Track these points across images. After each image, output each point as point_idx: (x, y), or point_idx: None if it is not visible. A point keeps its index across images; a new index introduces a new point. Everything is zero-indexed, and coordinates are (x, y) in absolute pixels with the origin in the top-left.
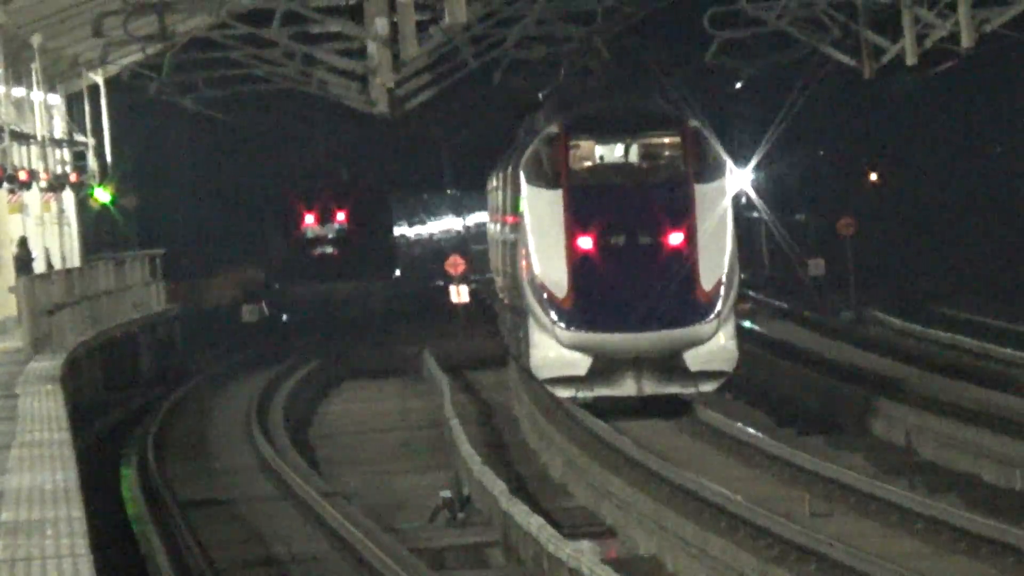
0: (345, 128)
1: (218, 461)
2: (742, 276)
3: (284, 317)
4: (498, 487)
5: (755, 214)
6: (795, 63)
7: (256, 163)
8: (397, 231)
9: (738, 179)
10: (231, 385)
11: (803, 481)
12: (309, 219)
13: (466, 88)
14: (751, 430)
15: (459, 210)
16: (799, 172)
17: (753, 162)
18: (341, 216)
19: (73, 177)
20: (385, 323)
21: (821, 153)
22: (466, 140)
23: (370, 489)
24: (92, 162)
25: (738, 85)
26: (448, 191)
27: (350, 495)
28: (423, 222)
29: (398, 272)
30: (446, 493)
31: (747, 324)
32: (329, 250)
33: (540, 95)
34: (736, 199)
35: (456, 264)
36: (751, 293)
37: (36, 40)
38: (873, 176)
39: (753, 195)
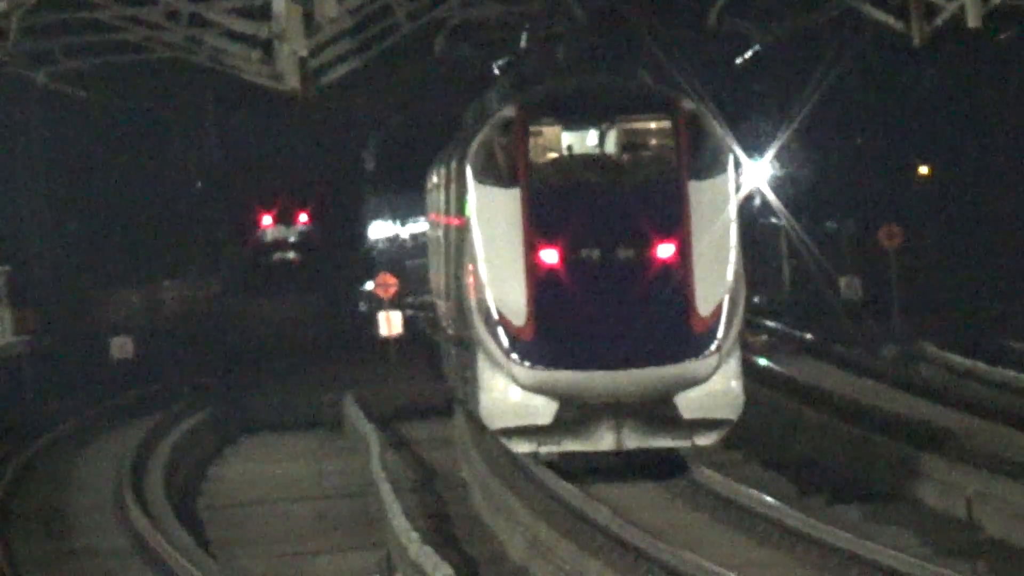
0: (257, 110)
1: (80, 540)
2: (756, 300)
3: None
4: (441, 572)
5: (773, 220)
6: (824, 27)
7: (137, 155)
8: (382, 233)
9: (749, 175)
10: (98, 441)
11: (835, 565)
12: (267, 220)
13: (399, 59)
14: (767, 498)
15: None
16: (829, 167)
17: (770, 154)
18: (304, 217)
19: None
20: (351, 350)
21: (858, 142)
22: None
23: (277, 575)
24: None
25: (749, 55)
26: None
27: None
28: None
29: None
30: None
31: (761, 361)
32: (290, 256)
33: (494, 68)
34: (747, 201)
35: (387, 285)
36: (768, 322)
37: None
38: (924, 170)
39: (770, 196)
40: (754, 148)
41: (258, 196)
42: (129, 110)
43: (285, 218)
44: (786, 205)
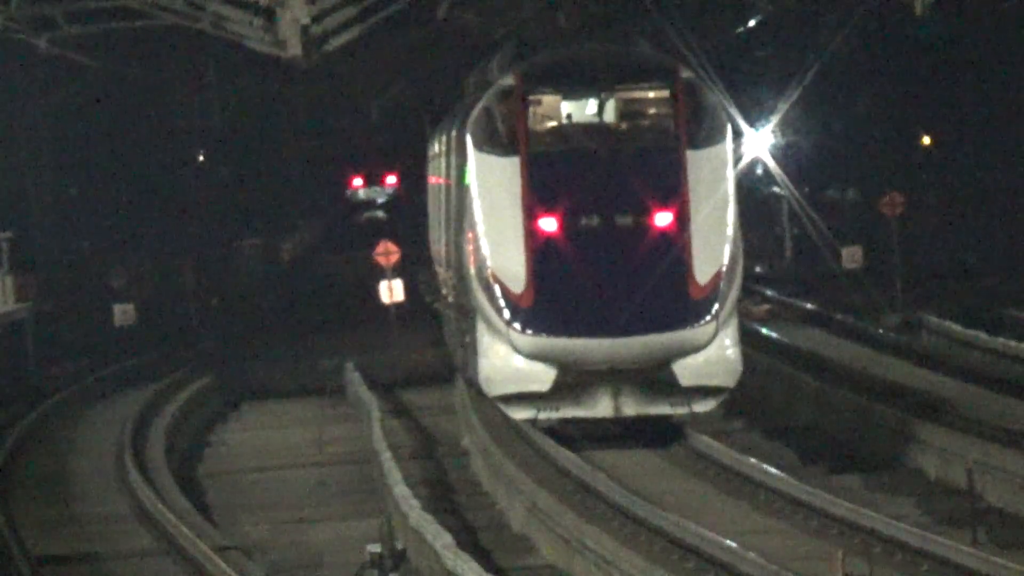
0: (254, 77)
1: (83, 505)
2: (759, 269)
3: None
4: (441, 540)
5: (775, 189)
6: None
7: (139, 122)
8: None
9: (751, 144)
10: (100, 407)
11: (835, 533)
12: (358, 182)
13: (401, 26)
14: (767, 467)
15: None
16: (832, 136)
17: (772, 123)
18: (391, 179)
19: None
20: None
21: (860, 111)
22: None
23: (277, 542)
24: None
25: (752, 23)
26: None
27: (251, 549)
28: None
29: None
30: (375, 547)
31: (763, 330)
32: (379, 214)
33: (496, 36)
34: (749, 169)
35: (388, 253)
36: (769, 291)
37: None
38: (926, 140)
39: (772, 164)
40: (756, 116)
41: (349, 160)
42: (131, 76)
43: (374, 180)
44: (788, 174)
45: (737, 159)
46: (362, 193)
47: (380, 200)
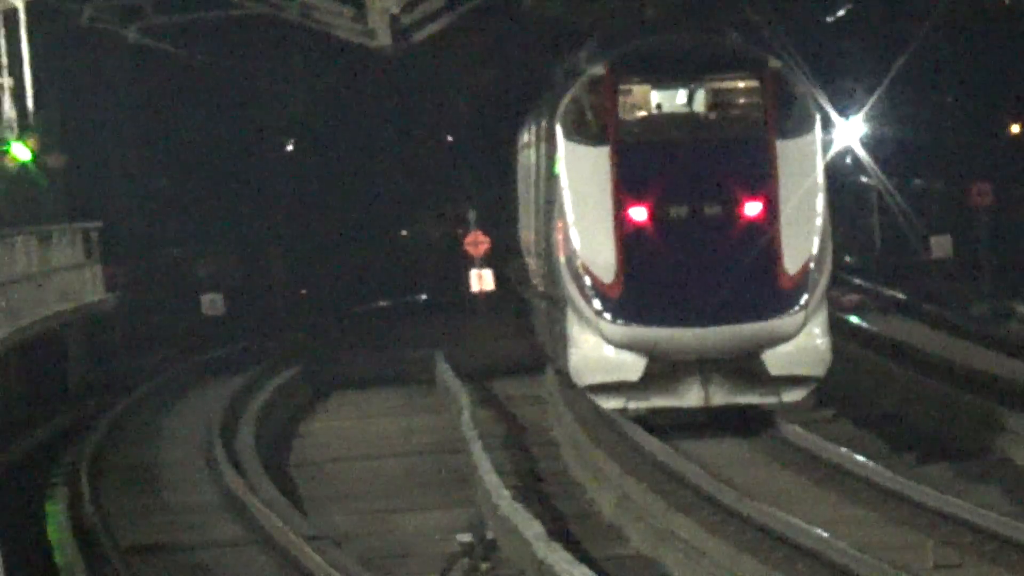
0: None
1: (172, 495)
2: (847, 259)
3: None
4: (532, 529)
5: (864, 178)
6: None
7: (223, 112)
8: None
9: (841, 134)
10: (188, 397)
11: (924, 523)
12: None
13: (489, 16)
14: (857, 456)
15: None
16: (919, 125)
17: (862, 112)
18: None
19: None
20: None
21: (948, 100)
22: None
23: (366, 532)
24: (8, 109)
25: (840, 13)
26: None
27: (341, 539)
28: None
29: None
30: (465, 537)
31: (854, 319)
32: None
33: (586, 26)
34: (839, 159)
35: (478, 243)
36: (858, 281)
37: None
38: (1015, 128)
39: (863, 154)
40: (846, 106)
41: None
42: (218, 65)
43: None
44: (877, 163)
45: (827, 148)
46: None
47: None
